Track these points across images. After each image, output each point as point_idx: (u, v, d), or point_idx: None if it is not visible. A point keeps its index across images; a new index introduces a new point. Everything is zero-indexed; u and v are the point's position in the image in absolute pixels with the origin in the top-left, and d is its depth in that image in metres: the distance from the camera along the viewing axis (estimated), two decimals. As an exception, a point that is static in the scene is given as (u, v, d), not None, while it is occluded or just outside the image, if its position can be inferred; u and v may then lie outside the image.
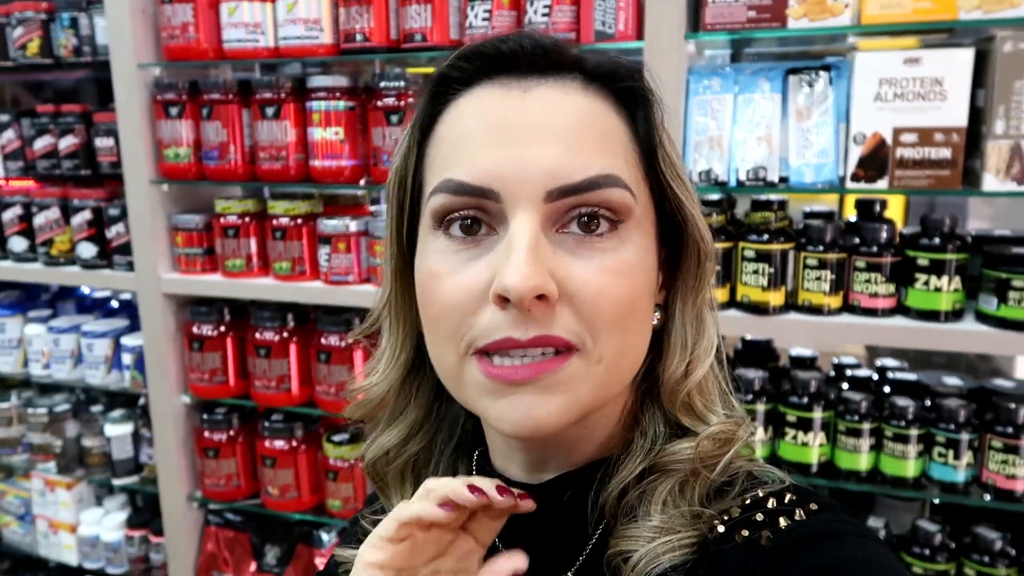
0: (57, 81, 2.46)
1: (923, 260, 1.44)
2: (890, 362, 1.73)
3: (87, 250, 2.07)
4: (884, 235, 1.48)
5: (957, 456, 1.47)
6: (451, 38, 1.65)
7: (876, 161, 1.43)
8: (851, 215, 1.71)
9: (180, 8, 1.78)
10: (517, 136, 0.55)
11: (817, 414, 1.53)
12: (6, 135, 2.17)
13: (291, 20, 1.73)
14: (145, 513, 2.29)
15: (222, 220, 1.90)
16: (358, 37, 1.69)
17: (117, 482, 2.21)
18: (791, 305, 1.54)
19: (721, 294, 1.55)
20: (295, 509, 2.01)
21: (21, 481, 2.41)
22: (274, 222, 1.86)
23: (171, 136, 1.87)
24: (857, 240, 1.51)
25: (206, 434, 2.03)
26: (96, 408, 2.26)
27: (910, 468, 1.49)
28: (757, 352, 1.75)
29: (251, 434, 2.05)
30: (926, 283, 1.44)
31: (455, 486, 0.54)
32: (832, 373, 1.73)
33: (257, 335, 1.93)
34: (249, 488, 2.06)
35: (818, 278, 1.49)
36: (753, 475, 0.61)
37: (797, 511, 0.56)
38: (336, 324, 1.88)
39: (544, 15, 1.57)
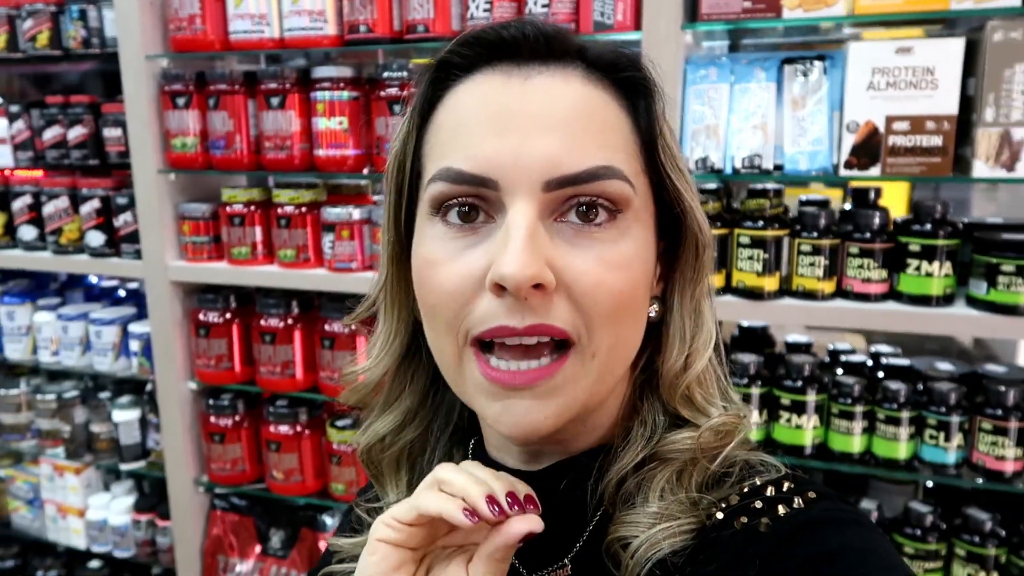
0: (64, 75, 2.49)
1: (915, 246, 1.47)
2: (884, 348, 1.76)
3: (95, 239, 2.10)
4: (877, 222, 1.51)
5: (948, 438, 1.49)
6: (453, 29, 1.68)
7: (869, 149, 1.46)
8: (847, 204, 1.73)
9: (187, 0, 1.82)
10: (517, 125, 0.54)
11: (811, 397, 1.56)
12: (16, 125, 2.20)
13: (296, 12, 1.76)
14: (152, 497, 2.32)
15: (228, 209, 1.93)
16: (362, 28, 1.72)
17: (124, 467, 2.25)
18: (785, 290, 1.56)
19: (717, 280, 1.58)
20: (299, 493, 2.04)
21: (30, 467, 2.45)
22: (279, 210, 1.89)
23: (178, 126, 1.91)
24: (850, 227, 1.54)
25: (212, 419, 2.06)
26: (104, 394, 2.29)
27: (902, 450, 1.52)
28: (754, 339, 1.78)
29: (256, 419, 2.08)
30: (918, 268, 1.47)
31: (475, 495, 0.53)
32: (827, 359, 1.76)
33: (262, 322, 1.96)
34: (254, 472, 2.10)
35: (812, 264, 1.52)
36: (751, 464, 0.61)
37: (795, 499, 0.56)
38: (340, 311, 1.91)
39: (544, 6, 1.60)
